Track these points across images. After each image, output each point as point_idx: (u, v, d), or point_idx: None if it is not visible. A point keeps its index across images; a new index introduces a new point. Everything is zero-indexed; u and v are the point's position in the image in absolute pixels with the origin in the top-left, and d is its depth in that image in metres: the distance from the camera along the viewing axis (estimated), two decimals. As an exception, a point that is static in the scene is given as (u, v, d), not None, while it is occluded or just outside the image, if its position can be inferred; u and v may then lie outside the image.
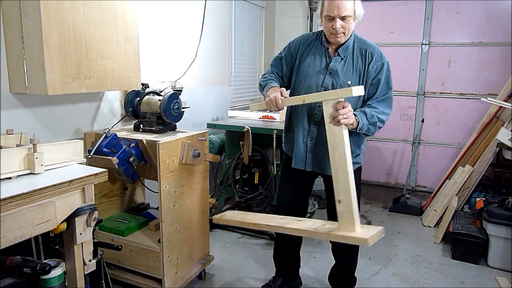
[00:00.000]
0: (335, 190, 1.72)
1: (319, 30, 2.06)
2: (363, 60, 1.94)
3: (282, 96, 1.86)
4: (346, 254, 2.24)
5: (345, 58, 1.95)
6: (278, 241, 2.40)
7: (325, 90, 1.94)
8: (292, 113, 2.10)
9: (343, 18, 1.83)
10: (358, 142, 2.06)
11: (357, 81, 1.93)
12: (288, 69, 2.11)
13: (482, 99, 3.47)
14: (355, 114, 1.79)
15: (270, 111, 1.94)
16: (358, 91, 1.64)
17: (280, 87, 1.98)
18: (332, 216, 2.11)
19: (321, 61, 1.99)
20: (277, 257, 2.39)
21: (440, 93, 4.29)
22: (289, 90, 2.12)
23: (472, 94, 4.14)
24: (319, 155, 2.01)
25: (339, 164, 1.70)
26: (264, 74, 2.17)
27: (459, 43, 4.13)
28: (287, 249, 2.35)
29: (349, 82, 1.92)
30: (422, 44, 4.27)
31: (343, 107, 1.67)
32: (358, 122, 1.81)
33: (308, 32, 4.60)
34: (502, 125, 3.32)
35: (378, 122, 1.90)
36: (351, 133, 1.86)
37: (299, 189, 2.21)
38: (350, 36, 1.95)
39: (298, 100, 1.86)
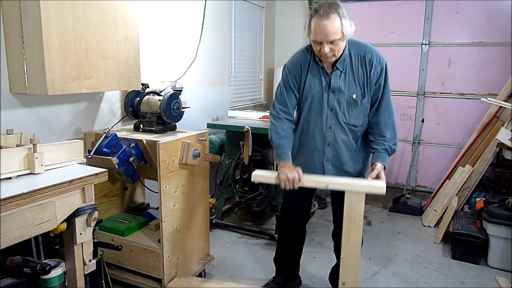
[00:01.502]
0: (341, 274, 1.81)
1: (309, 44, 1.94)
2: (364, 68, 1.90)
3: (299, 177, 1.85)
4: None
5: (344, 71, 1.90)
6: (280, 248, 2.40)
7: (331, 110, 1.93)
8: (301, 134, 2.06)
9: (331, 42, 1.76)
10: (366, 160, 2.12)
11: (361, 91, 1.92)
12: (298, 96, 2.03)
13: (482, 99, 3.48)
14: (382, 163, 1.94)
15: (283, 187, 1.88)
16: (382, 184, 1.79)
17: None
18: (339, 230, 2.14)
19: (320, 81, 1.94)
20: (278, 262, 2.41)
21: (440, 93, 4.29)
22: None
23: (472, 94, 4.14)
24: (336, 170, 2.04)
25: (352, 250, 1.79)
26: (278, 117, 2.00)
27: (459, 43, 4.13)
28: (289, 256, 2.38)
29: (354, 96, 1.90)
30: (422, 44, 4.27)
31: (378, 176, 1.88)
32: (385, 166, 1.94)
33: (307, 38, 4.61)
34: (502, 125, 3.32)
35: (395, 143, 2.02)
36: (364, 149, 2.05)
37: (305, 196, 2.20)
38: (344, 47, 1.88)
39: (319, 183, 1.89)
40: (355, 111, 1.94)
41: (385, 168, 1.93)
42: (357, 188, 1.75)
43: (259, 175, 1.95)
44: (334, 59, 1.87)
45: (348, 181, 1.80)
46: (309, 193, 2.25)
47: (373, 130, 2.02)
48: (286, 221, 2.27)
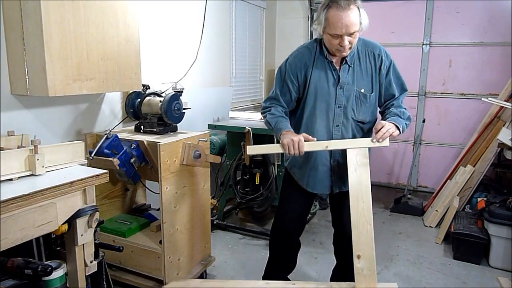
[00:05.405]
0: (354, 244, 1.66)
1: (314, 39, 1.90)
2: (373, 63, 1.87)
3: (305, 138, 1.76)
4: (348, 255, 2.23)
5: (352, 66, 1.85)
6: (272, 267, 2.24)
7: (339, 107, 1.86)
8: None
9: (350, 34, 1.72)
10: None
11: (370, 85, 1.88)
12: (297, 93, 1.93)
13: (483, 99, 3.47)
14: (392, 122, 1.79)
15: (288, 154, 1.78)
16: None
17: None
18: (339, 234, 2.11)
19: (327, 77, 1.86)
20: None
21: (441, 93, 4.29)
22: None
23: (473, 94, 4.13)
24: (342, 175, 1.96)
25: (362, 216, 1.67)
26: (269, 108, 1.95)
27: (459, 43, 4.13)
28: (283, 275, 2.25)
29: (362, 90, 1.86)
30: (423, 44, 4.27)
31: (382, 126, 1.72)
32: (398, 127, 1.78)
33: (308, 39, 4.57)
34: (503, 125, 3.32)
35: (408, 118, 1.89)
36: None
37: (303, 205, 2.12)
38: None
39: (320, 146, 1.76)
40: (364, 106, 1.89)
41: (399, 129, 1.79)
42: (354, 144, 1.72)
43: (255, 148, 1.85)
44: (349, 52, 1.81)
45: (347, 141, 1.79)
46: (308, 207, 2.16)
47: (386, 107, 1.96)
48: (281, 228, 2.14)
